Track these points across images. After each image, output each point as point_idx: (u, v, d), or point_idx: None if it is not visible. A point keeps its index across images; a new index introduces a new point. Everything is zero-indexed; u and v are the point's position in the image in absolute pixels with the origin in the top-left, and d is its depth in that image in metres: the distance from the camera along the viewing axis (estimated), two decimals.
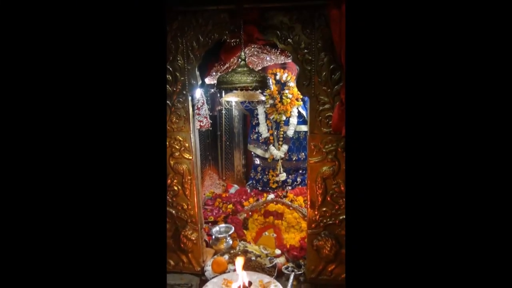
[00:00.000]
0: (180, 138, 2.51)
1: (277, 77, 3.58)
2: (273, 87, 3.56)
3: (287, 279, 2.39)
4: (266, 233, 3.15)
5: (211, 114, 3.56)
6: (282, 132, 3.68)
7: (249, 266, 2.58)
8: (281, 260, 2.79)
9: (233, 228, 3.08)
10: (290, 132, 3.65)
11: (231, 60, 2.64)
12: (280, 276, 2.63)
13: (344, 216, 2.36)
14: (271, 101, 3.62)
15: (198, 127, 2.78)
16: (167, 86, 2.40)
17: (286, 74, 3.56)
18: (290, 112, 3.62)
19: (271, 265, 2.66)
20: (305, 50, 2.18)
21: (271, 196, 3.56)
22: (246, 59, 2.16)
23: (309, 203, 2.45)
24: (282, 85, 3.60)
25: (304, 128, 3.62)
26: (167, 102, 2.44)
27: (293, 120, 3.63)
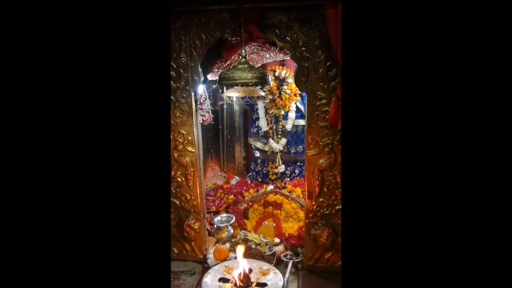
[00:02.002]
0: (184, 132, 2.52)
1: (276, 74, 3.57)
2: (272, 83, 3.56)
3: (286, 266, 2.40)
4: (266, 222, 3.16)
5: (213, 109, 3.55)
6: (281, 126, 3.68)
7: (249, 254, 2.59)
8: (280, 248, 2.80)
9: (234, 217, 3.09)
10: (289, 126, 3.65)
11: (232, 57, 2.64)
12: (279, 263, 2.64)
13: (340, 206, 2.37)
14: (270, 97, 3.62)
15: (201, 121, 2.78)
16: (171, 82, 2.40)
17: (284, 71, 3.56)
18: (288, 107, 3.62)
19: (270, 253, 2.67)
20: (303, 48, 2.18)
21: (271, 187, 3.56)
22: (247, 57, 2.16)
23: (306, 193, 2.46)
24: (281, 81, 3.59)
25: (302, 122, 3.62)
26: (171, 97, 2.44)
27: (292, 115, 3.63)
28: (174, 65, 2.38)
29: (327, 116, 2.24)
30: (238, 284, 2.14)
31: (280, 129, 3.69)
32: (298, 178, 3.72)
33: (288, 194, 3.26)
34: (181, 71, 2.39)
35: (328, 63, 2.17)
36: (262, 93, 3.48)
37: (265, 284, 2.17)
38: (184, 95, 2.44)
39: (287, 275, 2.26)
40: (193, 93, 2.45)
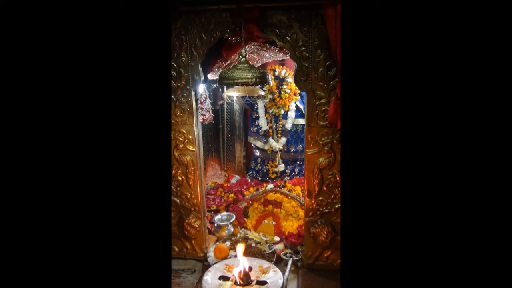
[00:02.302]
0: (184, 131, 2.52)
1: (276, 73, 3.57)
2: (272, 82, 3.55)
3: (286, 265, 2.41)
4: (266, 221, 3.17)
5: (213, 108, 3.53)
6: (280, 125, 3.68)
7: (249, 252, 2.59)
8: (279, 246, 2.80)
9: (234, 216, 3.09)
10: (288, 125, 3.64)
11: (232, 57, 2.64)
12: (279, 261, 2.64)
13: (340, 205, 2.37)
14: (270, 96, 3.62)
15: (201, 120, 2.78)
16: (172, 81, 2.40)
17: (284, 70, 3.55)
18: (288, 106, 3.61)
19: (270, 251, 2.67)
20: (303, 48, 2.19)
21: (270, 186, 3.56)
22: (247, 56, 2.15)
23: (306, 192, 2.46)
24: (280, 80, 3.58)
25: (301, 121, 3.61)
26: (172, 96, 2.44)
27: (291, 114, 3.62)
28: (175, 65, 2.38)
29: (326, 115, 2.24)
30: (238, 282, 2.14)
31: (280, 128, 3.69)
32: (298, 177, 3.72)
33: (288, 192, 3.26)
34: (182, 70, 2.39)
35: (327, 63, 2.17)
36: (262, 93, 3.47)
37: (265, 282, 2.17)
38: (184, 94, 2.44)
39: (286, 273, 2.27)
40: (193, 93, 2.45)
